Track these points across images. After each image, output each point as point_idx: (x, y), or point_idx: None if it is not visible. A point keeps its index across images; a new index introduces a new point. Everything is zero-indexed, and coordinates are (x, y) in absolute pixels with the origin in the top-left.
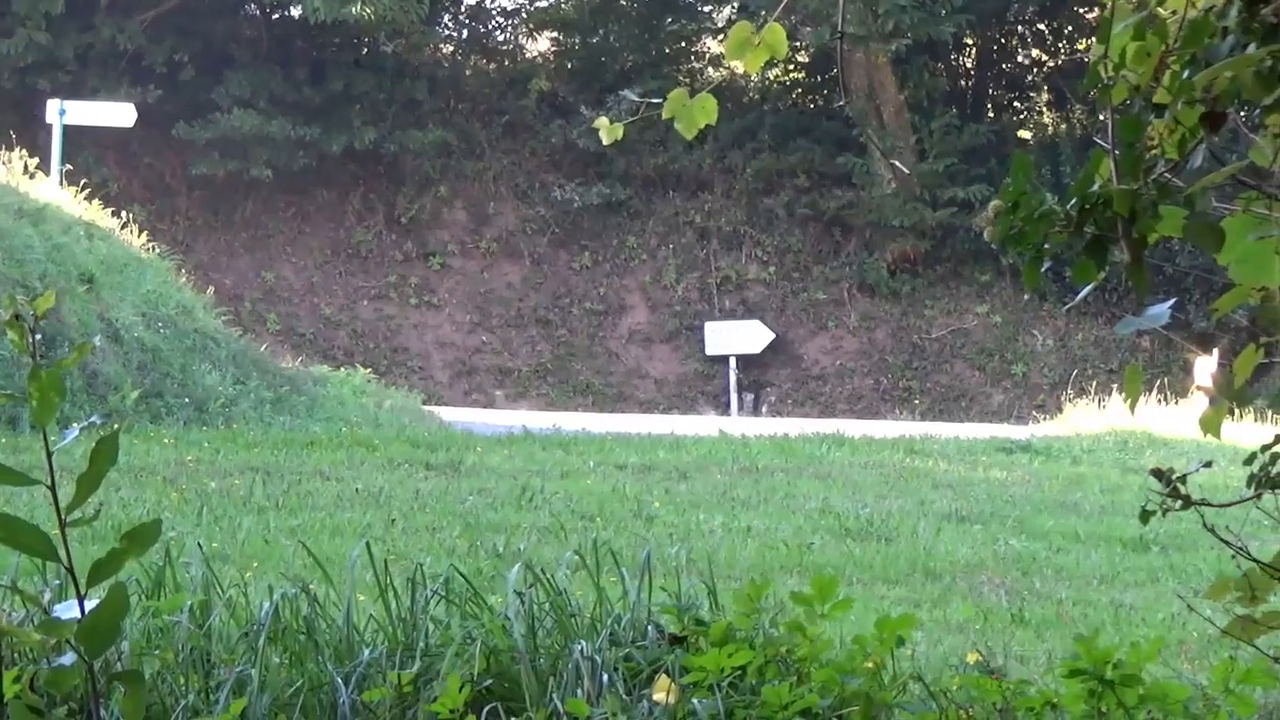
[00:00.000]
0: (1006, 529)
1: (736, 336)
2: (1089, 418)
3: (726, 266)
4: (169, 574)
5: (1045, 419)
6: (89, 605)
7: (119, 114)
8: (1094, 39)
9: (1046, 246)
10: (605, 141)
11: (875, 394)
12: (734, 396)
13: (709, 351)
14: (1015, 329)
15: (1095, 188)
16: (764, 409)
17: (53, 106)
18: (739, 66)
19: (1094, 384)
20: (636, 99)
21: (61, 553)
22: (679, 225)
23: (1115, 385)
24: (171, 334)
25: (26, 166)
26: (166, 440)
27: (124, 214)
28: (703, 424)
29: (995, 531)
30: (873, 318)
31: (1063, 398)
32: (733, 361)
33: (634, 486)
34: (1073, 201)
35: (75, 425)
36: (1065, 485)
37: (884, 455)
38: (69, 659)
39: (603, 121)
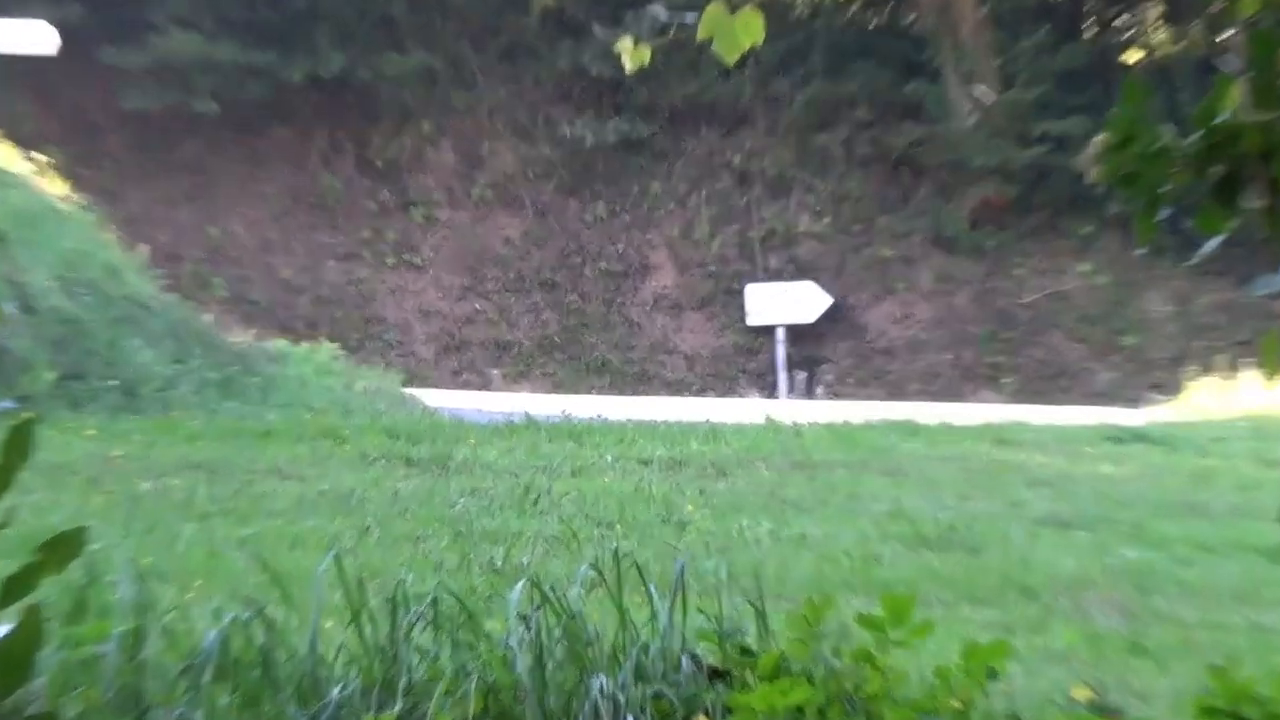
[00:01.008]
0: (1118, 536)
1: (785, 302)
2: (1217, 399)
3: (772, 217)
4: (93, 595)
5: (1163, 401)
6: None
7: (36, 37)
8: None
9: (1163, 190)
10: (628, 68)
11: (954, 372)
12: (782, 375)
13: (751, 321)
14: (1125, 292)
15: (1222, 118)
16: (819, 390)
17: None
18: None
19: (1222, 358)
20: (664, 15)
21: None
22: (714, 168)
23: (1248, 359)
24: (96, 302)
25: None
26: (89, 431)
27: (38, 157)
28: (745, 409)
29: (1105, 539)
30: (951, 279)
31: (1184, 375)
32: (780, 333)
33: (662, 486)
34: (1195, 135)
35: None
36: (1190, 482)
37: (966, 446)
38: None
39: (625, 43)
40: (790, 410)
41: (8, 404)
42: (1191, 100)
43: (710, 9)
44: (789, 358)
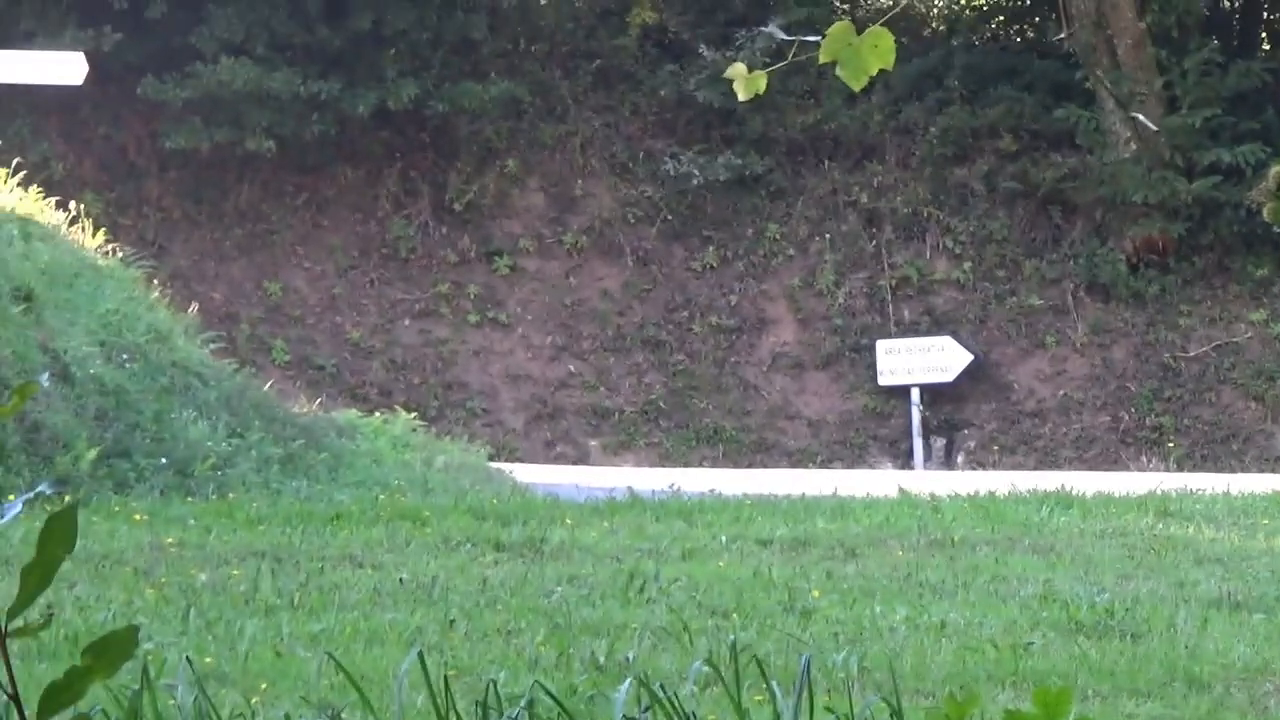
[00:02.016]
0: None
1: (920, 360)
2: None
3: (905, 263)
4: (148, 700)
5: None
6: None
7: (64, 67)
8: None
9: None
10: (741, 96)
11: (1113, 436)
12: (918, 442)
13: (882, 381)
14: None
15: None
16: (960, 458)
17: None
18: None
19: None
20: (782, 36)
21: (1, 674)
22: (838, 207)
23: None
24: (141, 370)
25: None
26: (138, 516)
27: (73, 205)
28: (876, 481)
29: None
30: (1108, 330)
31: None
32: (915, 394)
33: (783, 569)
34: None
35: (14, 498)
36: None
37: (1127, 520)
38: None
39: (738, 68)
40: (927, 481)
41: (44, 487)
42: None
43: (835, 28)
44: (925, 422)
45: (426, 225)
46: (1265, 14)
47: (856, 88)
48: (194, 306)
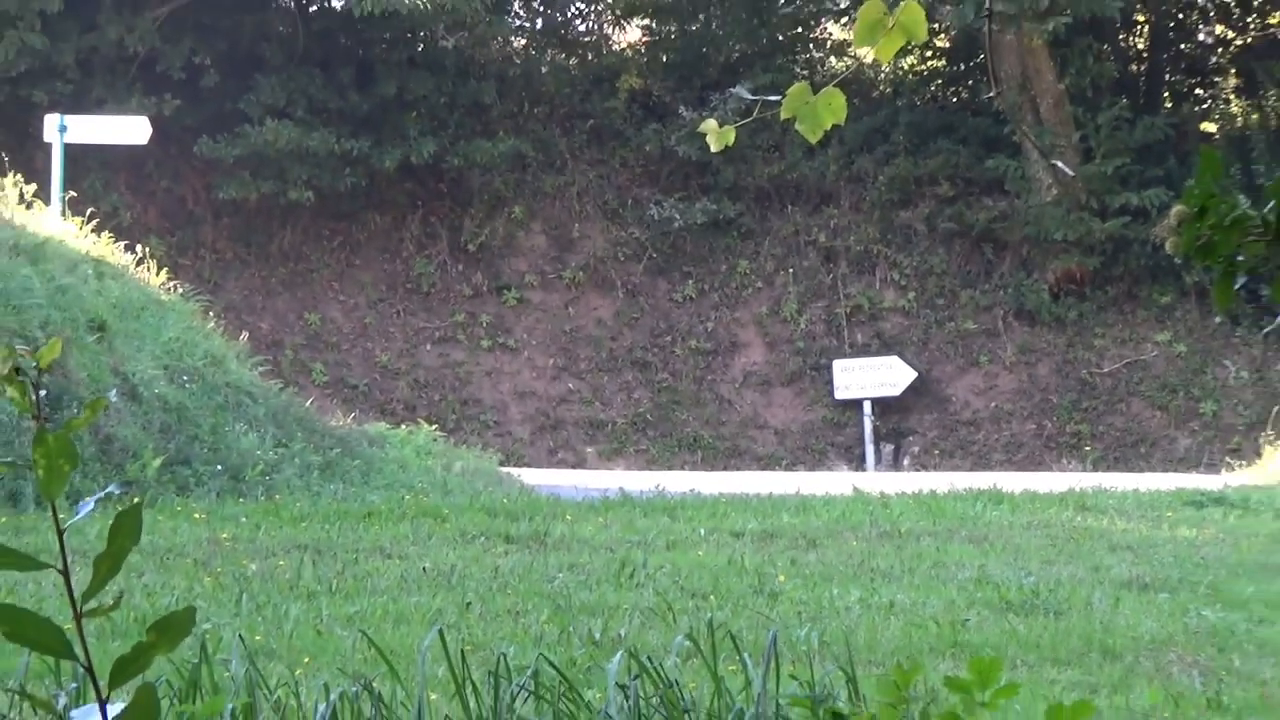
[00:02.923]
0: (1198, 598)
1: (871, 377)
2: None
3: (857, 294)
4: (205, 673)
5: (1241, 466)
6: (112, 711)
7: (131, 129)
8: None
9: (1240, 259)
10: (714, 148)
11: (1037, 441)
12: (870, 448)
13: (839, 395)
14: (1203, 360)
15: None
16: (906, 461)
17: (51, 122)
18: (868, 55)
19: None
20: (749, 96)
21: (78, 649)
22: (800, 246)
23: None
24: (199, 389)
25: (23, 194)
26: (196, 515)
27: (139, 248)
28: (834, 481)
29: (1185, 601)
30: (1033, 350)
31: (1261, 440)
32: (867, 406)
33: (754, 557)
34: (1271, 204)
35: (89, 499)
36: (1267, 544)
37: (1050, 513)
38: None
39: (710, 124)
40: (878, 482)
41: (114, 489)
42: (1269, 168)
43: (794, 89)
44: (876, 431)
45: (445, 263)
46: (1167, 76)
47: (814, 141)
48: (244, 335)
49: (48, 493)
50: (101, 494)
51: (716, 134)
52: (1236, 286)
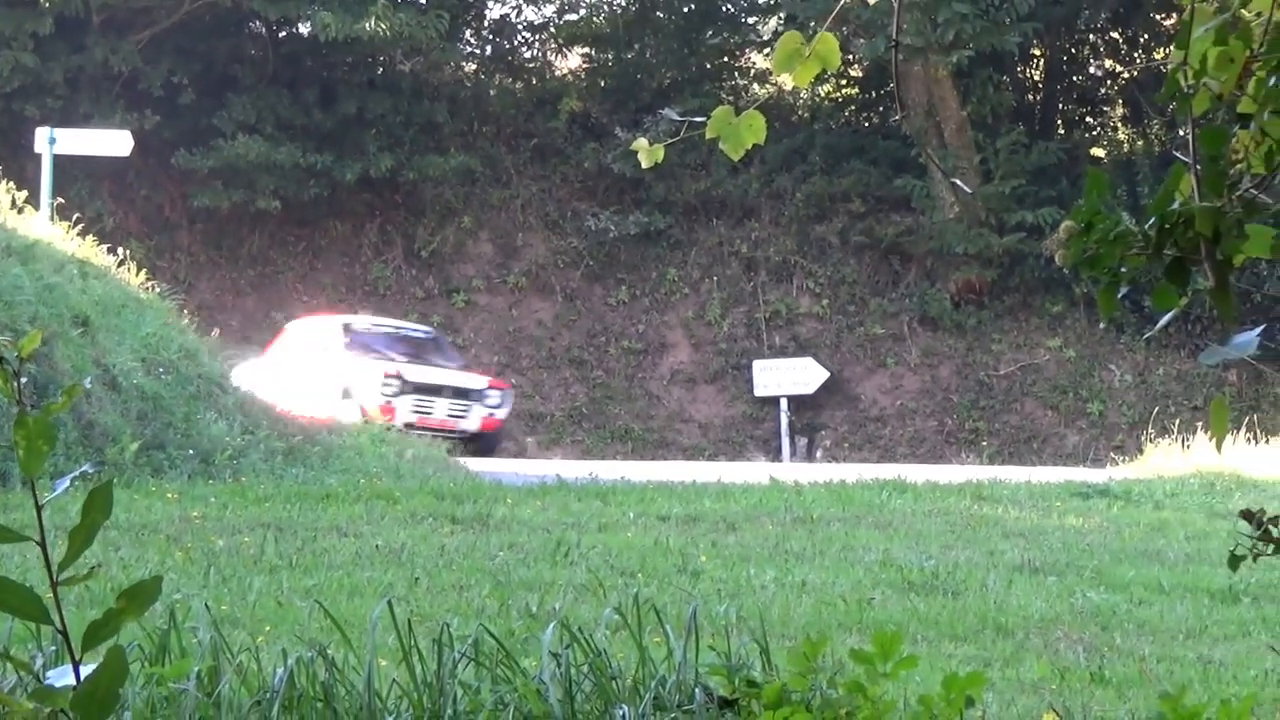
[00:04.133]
0: (1084, 580)
1: (787, 376)
2: (1172, 459)
3: (776, 300)
4: (174, 639)
5: (1124, 461)
6: (85, 671)
7: (114, 142)
8: (1172, 46)
9: (1123, 270)
10: (644, 165)
11: (939, 436)
12: (785, 441)
13: (758, 393)
14: (1090, 364)
15: (1175, 206)
16: (818, 454)
17: (41, 135)
18: (787, 82)
19: (1177, 422)
20: (677, 118)
21: (54, 615)
22: (724, 256)
23: (1200, 423)
24: (174, 380)
25: (14, 200)
26: (169, 495)
27: (120, 250)
28: (752, 471)
29: (1071, 583)
30: (935, 354)
31: (1143, 438)
32: (784, 403)
33: (678, 539)
34: (1151, 221)
35: (66, 477)
36: (1147, 532)
37: (949, 502)
38: None
39: (641, 143)
40: (792, 472)
41: (87, 468)
42: (1152, 190)
43: (718, 112)
44: (791, 425)
45: (399, 268)
46: (1060, 105)
47: (736, 159)
48: (216, 331)
49: (27, 470)
50: (77, 473)
51: (648, 152)
52: (1120, 296)
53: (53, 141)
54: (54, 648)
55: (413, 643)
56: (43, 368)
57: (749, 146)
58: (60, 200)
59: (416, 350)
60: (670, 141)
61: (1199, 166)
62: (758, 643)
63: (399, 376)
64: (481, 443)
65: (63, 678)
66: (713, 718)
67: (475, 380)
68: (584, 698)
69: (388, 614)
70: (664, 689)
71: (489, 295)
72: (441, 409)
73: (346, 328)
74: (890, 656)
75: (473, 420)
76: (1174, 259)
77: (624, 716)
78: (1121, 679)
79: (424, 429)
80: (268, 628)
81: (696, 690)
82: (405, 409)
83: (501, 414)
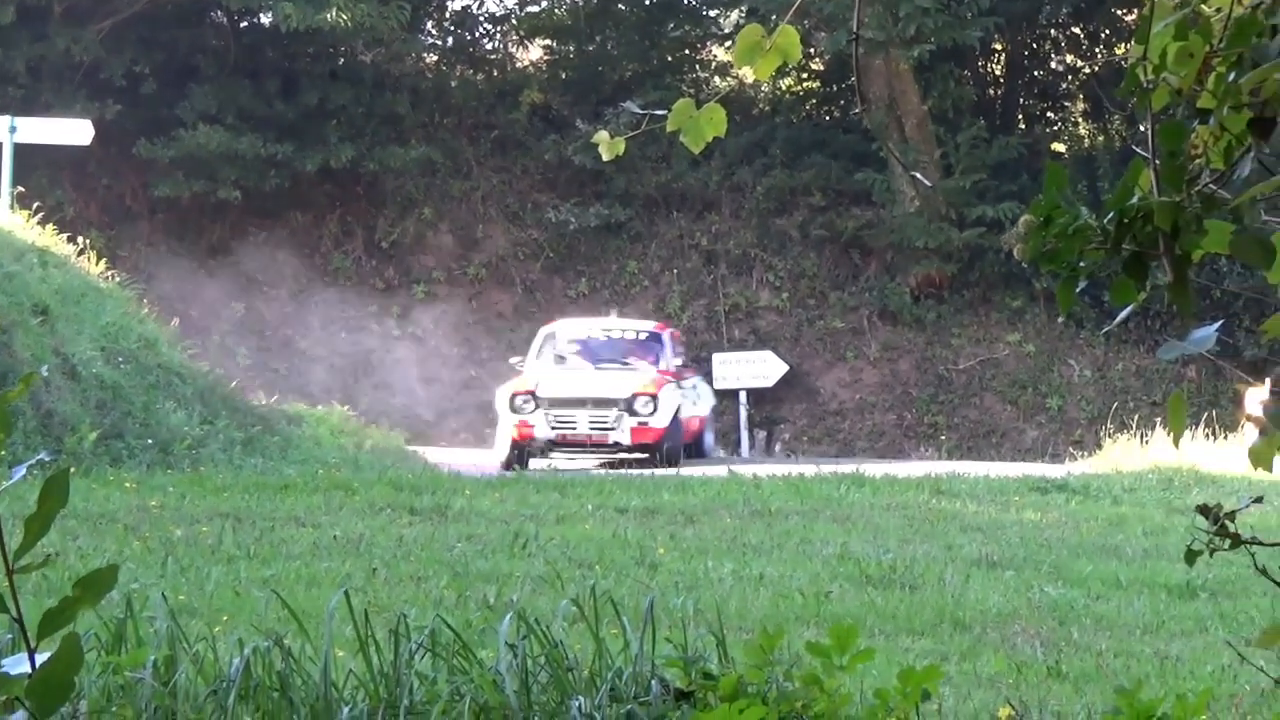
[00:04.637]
0: (1041, 575)
1: (747, 369)
2: (1130, 454)
3: (736, 293)
4: (131, 628)
5: (1083, 456)
6: (40, 659)
7: (75, 131)
8: (1132, 42)
9: (1082, 265)
10: (605, 157)
11: (898, 430)
12: (745, 434)
13: (717, 385)
14: (1050, 359)
15: (1134, 200)
16: (777, 447)
17: (1, 123)
18: (748, 75)
19: (1135, 418)
20: (638, 111)
21: (10, 603)
22: (684, 249)
23: (1158, 418)
24: (133, 370)
25: None
26: (128, 484)
27: (81, 240)
28: (711, 464)
29: (1029, 578)
30: (895, 348)
31: (1101, 433)
32: (743, 396)
33: (636, 532)
34: (1110, 215)
35: (22, 464)
36: (1105, 527)
37: (908, 496)
38: (19, 717)
39: (602, 135)
40: (751, 465)
41: (44, 455)
42: (1112, 185)
43: (679, 104)
44: (750, 418)
45: (360, 259)
46: (1021, 100)
47: (696, 152)
48: (175, 321)
49: None
50: (34, 460)
51: (609, 145)
52: (1079, 291)
53: (13, 130)
54: (9, 636)
55: (369, 633)
56: (1, 356)
57: (710, 139)
58: (20, 189)
59: (617, 354)
60: (631, 134)
61: (1158, 161)
62: (714, 635)
63: (532, 393)
64: (654, 455)
65: (18, 666)
66: (669, 710)
67: (620, 388)
68: (540, 689)
69: (345, 604)
70: (620, 681)
71: (449, 287)
72: (583, 422)
73: (550, 335)
74: (847, 650)
75: (622, 432)
76: (1133, 254)
77: (580, 708)
78: (1078, 674)
79: (567, 446)
80: (225, 617)
81: (653, 682)
82: (544, 426)
83: (659, 421)
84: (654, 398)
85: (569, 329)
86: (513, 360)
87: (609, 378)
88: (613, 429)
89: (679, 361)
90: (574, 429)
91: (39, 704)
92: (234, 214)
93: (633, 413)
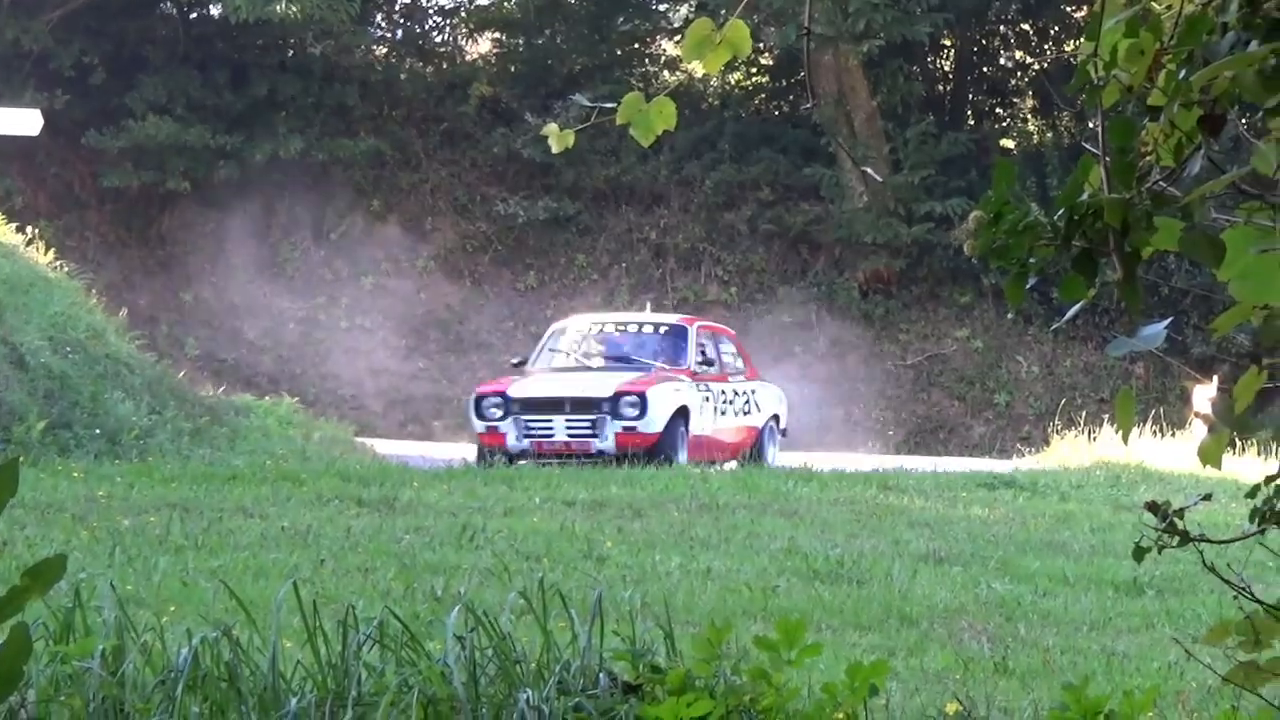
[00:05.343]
0: (988, 571)
1: None
2: (1078, 451)
3: (684, 287)
4: (79, 617)
5: (1030, 452)
6: None
7: (24, 121)
8: (1082, 39)
9: (1032, 261)
10: (555, 150)
11: (846, 425)
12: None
13: None
14: (998, 355)
15: (1084, 197)
16: None
17: None
18: (697, 70)
19: (1083, 414)
20: (587, 104)
21: None
22: (633, 242)
23: (1106, 415)
24: (81, 360)
25: None
26: (76, 474)
27: (29, 229)
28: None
29: (976, 574)
30: (843, 343)
31: (1049, 429)
32: None
33: (584, 524)
34: (1060, 212)
35: None
36: (1052, 524)
37: (855, 491)
38: None
39: (552, 128)
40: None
41: None
42: (1060, 181)
43: (628, 98)
44: None
45: (308, 250)
46: (970, 96)
47: (646, 144)
48: (123, 311)
49: None
50: None
51: (558, 137)
52: (1028, 287)
53: None
54: None
55: (318, 624)
56: None
57: (659, 133)
58: None
59: (629, 352)
60: (580, 127)
61: (1108, 158)
62: (662, 629)
63: (502, 395)
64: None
65: None
66: (617, 703)
67: (602, 386)
68: (488, 681)
69: (293, 595)
70: (568, 673)
71: (398, 279)
72: (560, 429)
73: (559, 331)
74: (794, 644)
75: (606, 440)
76: (1083, 251)
77: (528, 700)
78: (1025, 669)
79: (543, 458)
80: (172, 608)
81: (601, 675)
82: (515, 434)
83: (649, 425)
84: (641, 397)
85: (578, 324)
86: (512, 360)
87: (593, 376)
88: (594, 436)
89: (718, 361)
90: (550, 436)
91: None
92: (183, 204)
93: (618, 415)
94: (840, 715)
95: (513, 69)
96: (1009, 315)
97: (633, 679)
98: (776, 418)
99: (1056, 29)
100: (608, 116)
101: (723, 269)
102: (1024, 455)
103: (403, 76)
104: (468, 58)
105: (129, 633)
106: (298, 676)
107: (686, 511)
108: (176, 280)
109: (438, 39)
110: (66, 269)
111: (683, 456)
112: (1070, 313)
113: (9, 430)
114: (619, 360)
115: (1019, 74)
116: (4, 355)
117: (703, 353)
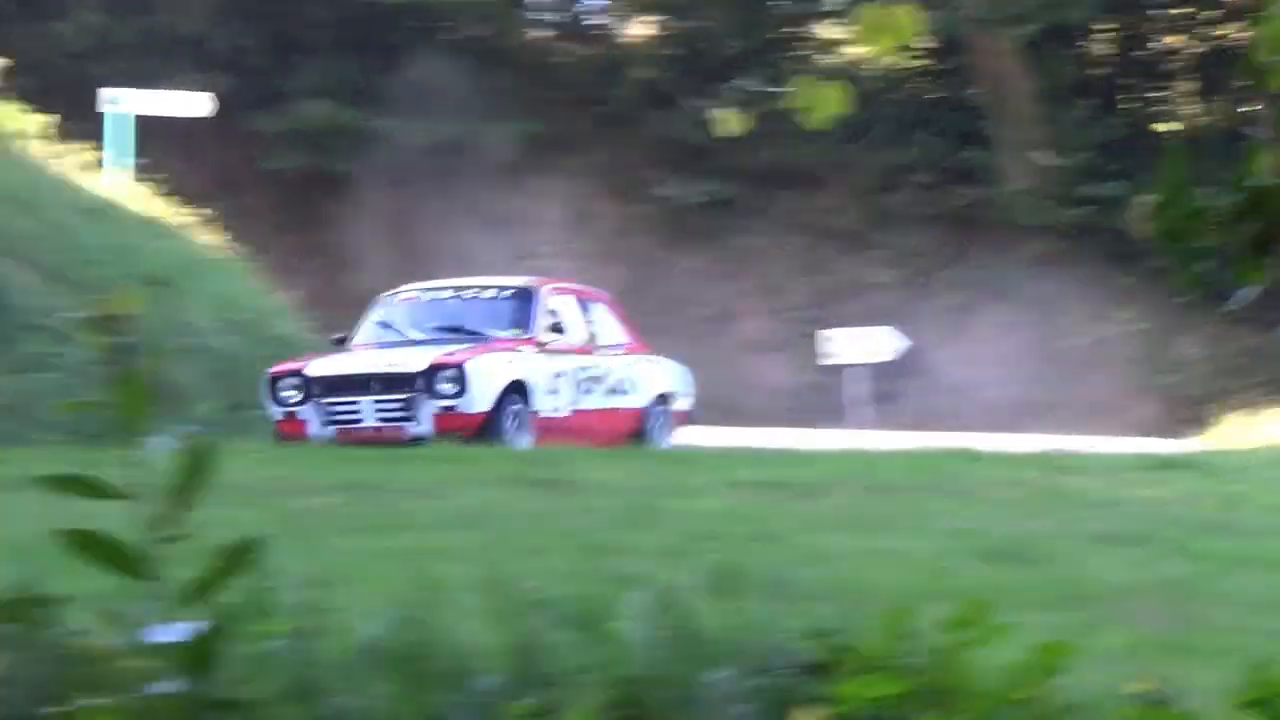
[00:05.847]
0: (1162, 551)
1: (857, 345)
2: (1243, 433)
3: (845, 269)
4: (264, 598)
5: (1195, 434)
6: (182, 630)
7: (195, 103)
8: (1239, 23)
9: (1202, 246)
10: (731, 132)
11: (1010, 406)
12: (856, 409)
13: (824, 361)
14: (1162, 336)
15: (1254, 182)
16: (889, 423)
17: (126, 96)
18: (854, 53)
19: (1248, 396)
20: (757, 89)
21: (153, 573)
22: (792, 225)
23: (1272, 397)
24: (249, 341)
25: (99, 161)
26: (250, 455)
27: (194, 211)
28: (825, 439)
29: (1150, 554)
30: (1005, 324)
31: (1213, 411)
32: (854, 372)
33: (756, 505)
34: (1230, 197)
35: (162, 434)
36: (1223, 505)
37: (1023, 472)
38: (167, 686)
39: (724, 113)
40: (865, 441)
41: (190, 428)
42: (1216, 166)
43: (802, 80)
44: (862, 394)
45: (466, 234)
46: (1127, 79)
47: (817, 129)
48: (290, 293)
49: (133, 429)
50: (183, 430)
51: (731, 121)
52: (1199, 270)
53: (115, 102)
54: (153, 606)
55: (500, 605)
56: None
57: (831, 118)
58: (140, 161)
59: (462, 321)
60: (752, 111)
61: (1277, 142)
62: (843, 609)
63: (299, 374)
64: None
65: (163, 635)
66: (799, 682)
67: (414, 362)
68: (673, 661)
69: (473, 576)
70: (752, 653)
71: (556, 262)
72: (369, 412)
73: (383, 301)
74: (976, 624)
75: (422, 421)
76: (1258, 234)
77: (713, 680)
78: (1202, 649)
79: (352, 444)
80: (355, 588)
81: (785, 656)
82: (318, 420)
83: (471, 405)
84: (459, 370)
85: (408, 292)
86: (333, 337)
87: (409, 350)
88: (408, 419)
89: (584, 330)
90: (358, 421)
91: (190, 673)
92: (341, 187)
93: (434, 394)
94: (1022, 694)
95: (668, 53)
96: (1173, 298)
97: (819, 659)
98: (666, 397)
99: (1212, 11)
100: (778, 100)
101: (884, 251)
102: (1189, 437)
103: (559, 59)
104: (624, 41)
105: (314, 613)
106: (484, 656)
107: (855, 492)
108: (334, 264)
109: (593, 22)
110: (232, 251)
111: (524, 442)
112: (1242, 296)
113: (184, 411)
114: (449, 331)
115: (1175, 58)
116: (176, 335)
117: (555, 320)
